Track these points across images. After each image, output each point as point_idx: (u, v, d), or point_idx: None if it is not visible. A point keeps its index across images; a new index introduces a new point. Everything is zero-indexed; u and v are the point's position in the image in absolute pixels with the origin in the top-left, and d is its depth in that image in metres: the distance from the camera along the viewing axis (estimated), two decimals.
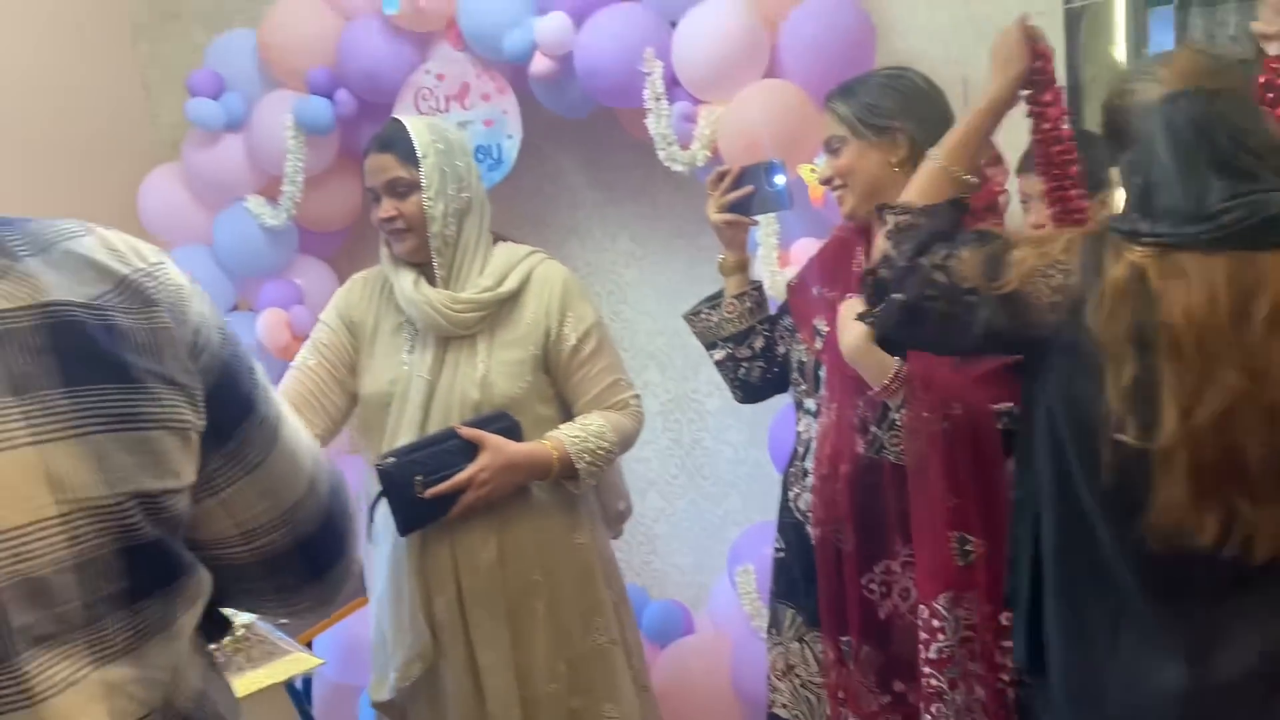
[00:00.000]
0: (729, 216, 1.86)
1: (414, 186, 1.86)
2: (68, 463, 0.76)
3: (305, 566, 0.96)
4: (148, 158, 3.12)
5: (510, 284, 1.93)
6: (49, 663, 0.76)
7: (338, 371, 1.97)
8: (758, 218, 2.01)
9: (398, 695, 1.95)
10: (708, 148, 2.30)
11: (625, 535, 2.47)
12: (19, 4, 2.81)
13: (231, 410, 0.87)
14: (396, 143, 1.86)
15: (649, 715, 2.13)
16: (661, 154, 2.35)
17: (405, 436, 1.88)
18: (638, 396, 2.04)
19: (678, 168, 2.34)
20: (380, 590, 1.98)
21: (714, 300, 1.95)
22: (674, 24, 2.31)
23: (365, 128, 2.69)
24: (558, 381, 1.98)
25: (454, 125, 2.03)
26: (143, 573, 0.81)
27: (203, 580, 0.88)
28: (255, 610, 1.00)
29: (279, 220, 2.70)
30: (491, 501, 1.85)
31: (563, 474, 1.90)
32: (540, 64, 2.37)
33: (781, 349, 1.92)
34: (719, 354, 1.96)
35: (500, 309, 1.93)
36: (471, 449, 1.83)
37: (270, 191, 2.73)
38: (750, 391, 1.98)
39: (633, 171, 2.79)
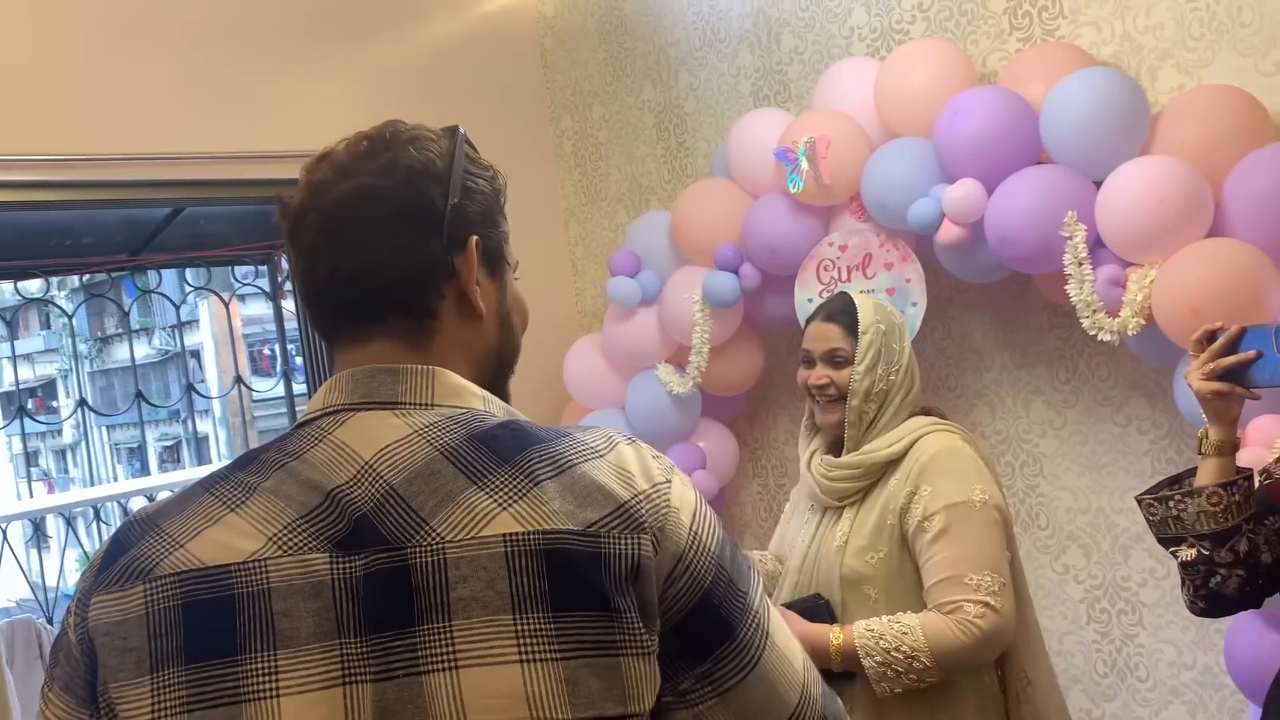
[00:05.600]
0: (1220, 386, 1.55)
1: (850, 360, 1.89)
2: (543, 683, 0.82)
3: None
4: (573, 328, 3.39)
5: (890, 450, 1.85)
6: None
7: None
8: (1261, 391, 1.59)
9: None
10: (1140, 314, 2.08)
11: None
12: None
13: (708, 634, 0.88)
14: (841, 315, 1.91)
15: None
16: (1085, 321, 2.16)
17: (784, 598, 1.91)
18: (985, 605, 1.72)
19: (1105, 336, 2.13)
20: None
21: (1181, 484, 1.63)
22: (1098, 184, 2.15)
23: (767, 299, 2.75)
24: (915, 563, 1.83)
25: (894, 308, 2.02)
26: None
27: None
28: None
29: (685, 387, 2.80)
30: None
31: (848, 666, 1.75)
32: (948, 232, 2.29)
33: (1267, 557, 1.57)
34: (1188, 553, 1.60)
35: (879, 477, 1.87)
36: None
37: (678, 359, 2.85)
38: (1218, 604, 1.61)
39: (1048, 335, 2.60)
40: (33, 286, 3.68)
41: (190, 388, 3.52)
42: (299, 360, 3.45)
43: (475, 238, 0.96)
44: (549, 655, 0.82)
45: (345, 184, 0.94)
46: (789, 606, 1.83)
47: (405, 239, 0.93)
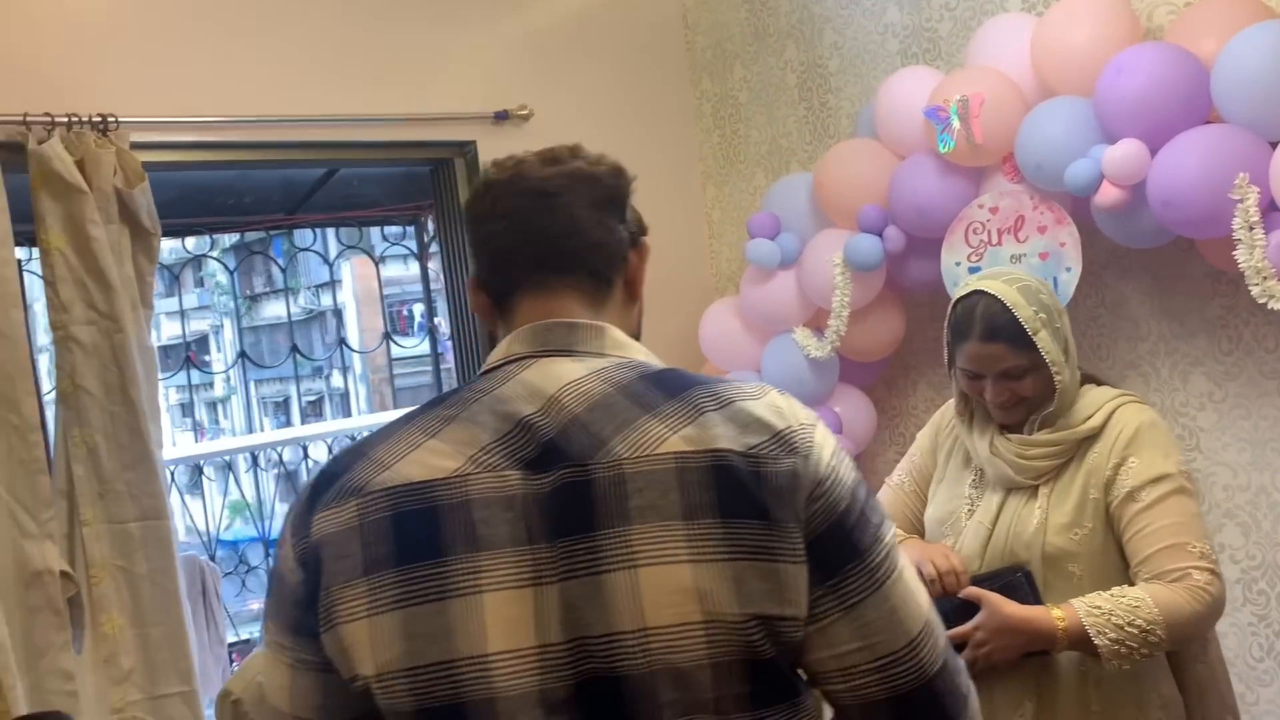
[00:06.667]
0: None
1: (1029, 369, 1.76)
2: (713, 582, 0.93)
3: None
4: (709, 291, 3.39)
5: (1090, 425, 1.78)
6: None
7: (924, 492, 1.98)
8: None
9: None
10: None
11: None
12: (618, 143, 3.22)
13: (840, 551, 0.98)
14: (1003, 330, 1.75)
15: None
16: (1255, 289, 2.05)
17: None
18: (1212, 571, 1.69)
19: (1277, 305, 2.03)
20: None
21: None
22: (1273, 145, 2.03)
23: (911, 263, 2.70)
24: (1118, 536, 1.76)
25: (1027, 271, 1.92)
26: (762, 684, 0.96)
27: (817, 709, 1.01)
28: None
29: (823, 351, 2.77)
30: (993, 663, 1.69)
31: (1075, 647, 1.68)
32: (1108, 194, 2.20)
33: None
34: None
35: (1075, 453, 1.79)
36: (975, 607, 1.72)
37: (817, 323, 2.83)
38: None
39: (1210, 303, 2.48)
40: (191, 244, 3.88)
41: (342, 342, 3.71)
42: (437, 320, 3.56)
43: (645, 239, 1.14)
44: (717, 557, 0.93)
45: (562, 166, 1.10)
46: (979, 582, 1.74)
47: (607, 217, 1.10)
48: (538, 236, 1.07)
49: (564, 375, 1.02)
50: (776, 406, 1.02)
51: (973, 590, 1.72)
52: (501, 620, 0.94)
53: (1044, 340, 1.75)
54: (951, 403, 1.98)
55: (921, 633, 0.99)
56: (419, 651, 0.94)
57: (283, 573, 1.01)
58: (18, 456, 2.38)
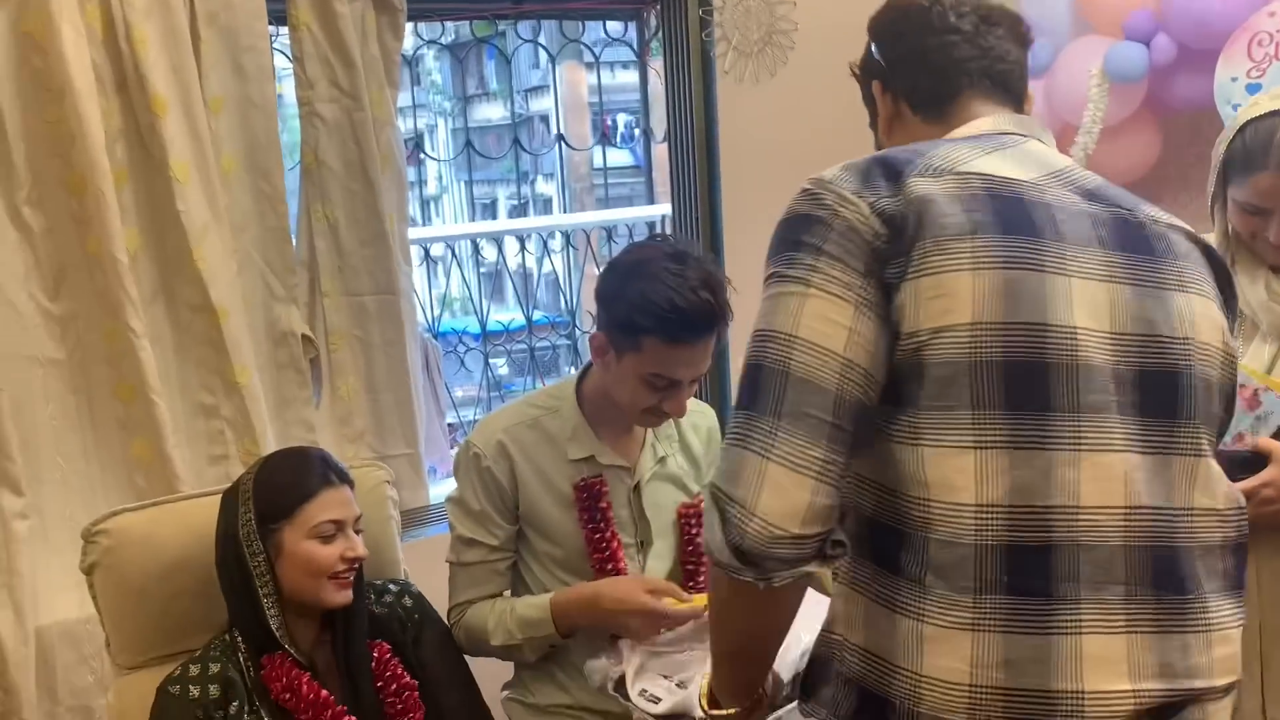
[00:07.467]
0: None
1: None
2: (1225, 321, 1.19)
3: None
4: None
5: None
6: (1199, 435, 1.14)
7: None
8: None
9: None
10: None
11: None
12: None
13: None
14: None
15: None
16: None
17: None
18: None
19: None
20: None
21: None
22: None
23: (1178, 77, 2.46)
24: None
25: None
26: (1226, 412, 1.20)
27: None
28: None
29: None
30: (1274, 522, 1.56)
31: None
32: None
33: None
34: None
35: None
36: (1263, 459, 1.58)
37: (1063, 139, 2.64)
38: None
39: None
40: (408, 43, 3.93)
41: (560, 138, 3.74)
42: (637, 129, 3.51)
43: None
44: (1222, 309, 1.20)
45: (989, 5, 1.27)
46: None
47: (1024, 57, 1.28)
48: (986, 54, 1.23)
49: (1062, 157, 1.19)
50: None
51: (1267, 442, 1.59)
52: (1085, 302, 1.08)
53: None
54: None
55: None
56: (1014, 310, 1.06)
57: (854, 225, 1.09)
58: (267, 224, 2.53)
